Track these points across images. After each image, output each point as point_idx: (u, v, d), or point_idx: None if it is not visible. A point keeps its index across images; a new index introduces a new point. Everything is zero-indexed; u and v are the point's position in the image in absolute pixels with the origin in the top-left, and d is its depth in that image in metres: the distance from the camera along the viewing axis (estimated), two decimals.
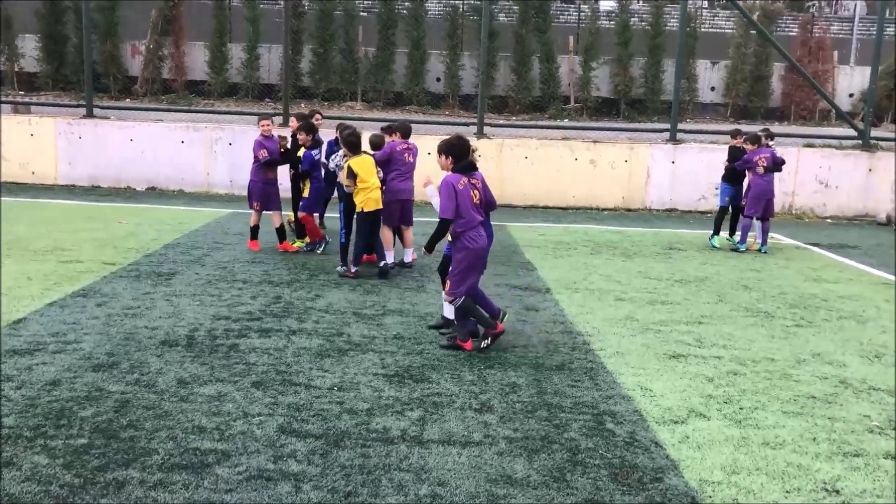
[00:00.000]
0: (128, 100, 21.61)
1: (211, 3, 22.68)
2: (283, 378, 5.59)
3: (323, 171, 10.27)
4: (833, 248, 12.15)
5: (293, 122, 10.98)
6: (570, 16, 25.83)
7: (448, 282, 6.54)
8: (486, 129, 15.90)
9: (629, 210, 15.44)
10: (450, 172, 6.42)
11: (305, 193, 10.17)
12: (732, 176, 11.98)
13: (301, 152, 10.15)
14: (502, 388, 5.57)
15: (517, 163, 15.28)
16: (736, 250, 11.64)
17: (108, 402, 5.06)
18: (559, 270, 9.80)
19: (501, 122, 18.74)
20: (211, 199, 14.78)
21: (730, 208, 12.15)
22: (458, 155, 6.47)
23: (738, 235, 11.89)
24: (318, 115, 11.61)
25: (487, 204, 6.58)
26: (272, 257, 9.85)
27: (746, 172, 11.76)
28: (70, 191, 15.02)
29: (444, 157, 6.51)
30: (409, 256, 9.73)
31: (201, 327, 6.75)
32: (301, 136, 10.11)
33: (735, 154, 11.99)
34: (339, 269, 9.09)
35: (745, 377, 6.10)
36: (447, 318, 6.86)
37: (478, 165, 6.74)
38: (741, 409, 5.43)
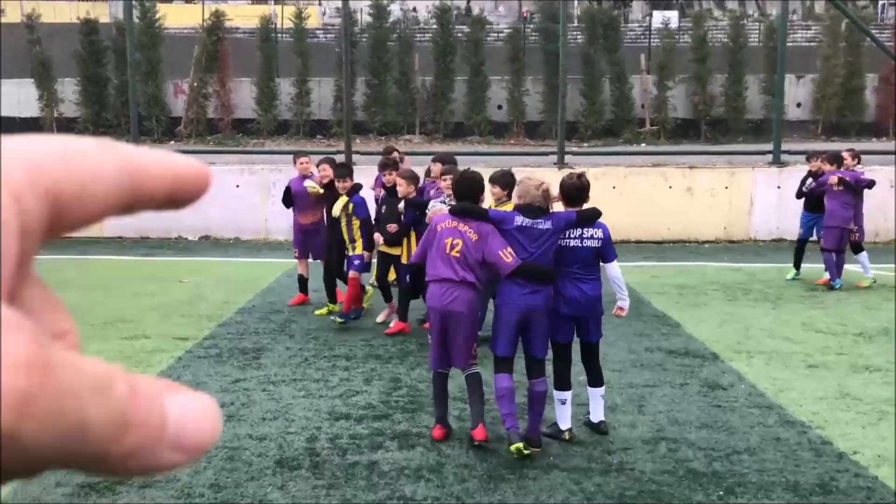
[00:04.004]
0: (172, 142, 20.49)
1: (255, 37, 21.58)
2: None
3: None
4: None
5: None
6: (634, 32, 24.38)
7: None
8: (566, 158, 14.41)
9: (732, 242, 13.85)
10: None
11: (359, 250, 7.94)
12: (811, 203, 10.38)
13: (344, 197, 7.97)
14: None
15: (604, 194, 13.65)
16: (832, 289, 9.90)
17: None
18: (708, 325, 8.19)
19: (574, 149, 17.21)
20: (271, 247, 13.39)
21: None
22: (458, 194, 5.18)
23: (827, 274, 10.18)
24: (395, 151, 10.30)
25: (480, 263, 4.84)
26: (366, 322, 8.34)
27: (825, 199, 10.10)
28: (118, 244, 13.72)
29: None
30: None
31: (320, 433, 5.23)
32: (402, 188, 7.73)
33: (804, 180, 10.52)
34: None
35: None
36: (559, 426, 5.16)
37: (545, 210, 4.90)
38: None
